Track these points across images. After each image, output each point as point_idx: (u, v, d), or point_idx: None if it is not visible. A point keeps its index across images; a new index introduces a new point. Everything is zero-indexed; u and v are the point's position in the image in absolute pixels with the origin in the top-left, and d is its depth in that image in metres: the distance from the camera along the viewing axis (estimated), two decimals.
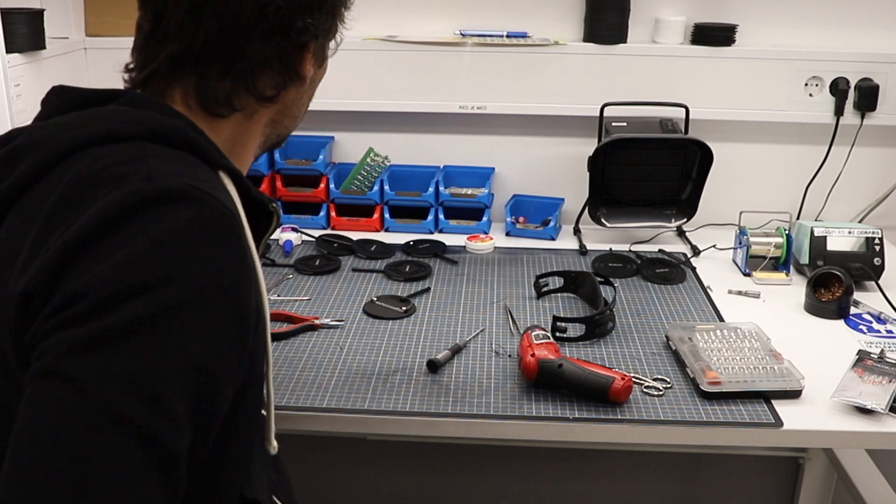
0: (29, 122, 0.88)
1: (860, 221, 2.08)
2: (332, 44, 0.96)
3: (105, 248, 0.68)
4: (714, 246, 1.94)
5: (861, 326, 1.57)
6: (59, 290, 0.68)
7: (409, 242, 1.93)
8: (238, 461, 0.88)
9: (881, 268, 1.72)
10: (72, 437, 0.64)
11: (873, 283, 1.70)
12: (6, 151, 0.82)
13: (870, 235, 1.74)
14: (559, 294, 1.69)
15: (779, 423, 1.24)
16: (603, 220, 1.95)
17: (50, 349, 0.66)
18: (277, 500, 1.03)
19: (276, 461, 1.07)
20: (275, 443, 0.94)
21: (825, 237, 1.74)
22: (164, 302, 0.67)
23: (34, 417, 0.65)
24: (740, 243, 1.82)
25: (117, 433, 0.64)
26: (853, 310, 1.62)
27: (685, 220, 1.97)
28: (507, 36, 1.98)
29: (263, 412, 0.99)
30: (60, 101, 0.87)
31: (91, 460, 0.63)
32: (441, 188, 2.01)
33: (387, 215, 2.02)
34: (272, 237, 1.91)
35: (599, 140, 1.91)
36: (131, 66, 0.89)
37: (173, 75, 0.86)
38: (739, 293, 1.71)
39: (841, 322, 1.59)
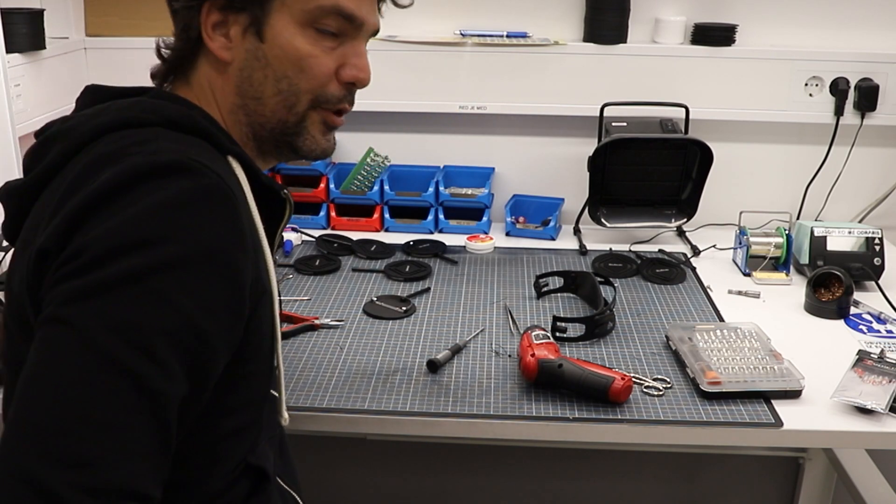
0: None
1: (860, 221, 2.08)
2: (281, 17, 0.89)
3: (109, 211, 0.74)
4: (714, 246, 1.94)
5: (861, 326, 1.57)
6: (67, 248, 0.74)
7: (409, 242, 1.93)
8: (242, 433, 0.90)
9: (881, 268, 1.72)
10: (68, 376, 0.69)
11: (873, 283, 1.70)
12: (42, 140, 0.90)
13: (870, 235, 1.74)
14: (559, 294, 1.69)
15: (779, 423, 1.24)
16: (603, 220, 1.95)
17: (55, 298, 0.73)
18: (282, 482, 1.04)
19: (283, 448, 1.09)
20: (286, 414, 0.98)
21: (825, 237, 1.74)
22: (156, 259, 0.73)
23: (37, 359, 0.71)
24: (740, 243, 1.82)
25: (110, 374, 0.69)
26: (853, 310, 1.62)
27: (685, 220, 1.97)
28: (507, 36, 1.98)
29: (273, 392, 0.99)
30: (92, 97, 0.93)
31: (85, 398, 0.69)
32: (441, 188, 2.01)
33: (387, 215, 2.02)
34: None
35: (599, 140, 1.91)
36: None
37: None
38: (739, 293, 1.71)
39: (841, 322, 1.59)
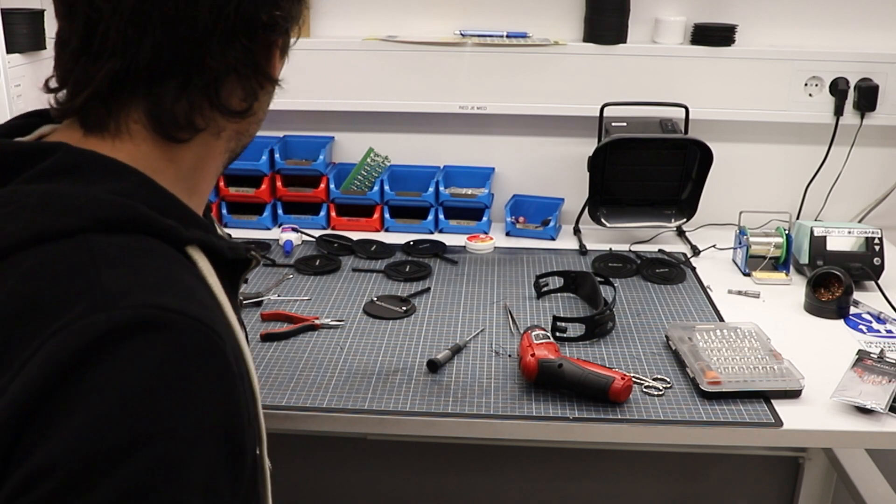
0: None
1: (860, 221, 2.08)
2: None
3: (66, 404, 0.56)
4: (714, 246, 1.94)
5: (861, 326, 1.57)
6: (15, 464, 0.55)
7: (409, 242, 1.93)
8: None
9: (881, 268, 1.72)
10: None
11: (873, 282, 1.70)
12: None
13: (869, 235, 1.74)
14: (559, 294, 1.69)
15: (779, 422, 1.24)
16: (603, 220, 1.95)
17: None
18: None
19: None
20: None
21: (825, 237, 1.74)
22: (150, 463, 0.56)
23: None
24: (740, 243, 1.82)
25: None
26: (853, 310, 1.62)
27: (685, 220, 1.97)
28: (507, 36, 1.98)
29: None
30: None
31: None
32: (441, 188, 2.01)
33: (387, 215, 2.02)
34: (272, 238, 1.93)
35: (599, 140, 1.91)
36: (55, 85, 0.74)
37: (117, 99, 0.71)
38: (739, 293, 1.71)
39: (841, 322, 1.59)
